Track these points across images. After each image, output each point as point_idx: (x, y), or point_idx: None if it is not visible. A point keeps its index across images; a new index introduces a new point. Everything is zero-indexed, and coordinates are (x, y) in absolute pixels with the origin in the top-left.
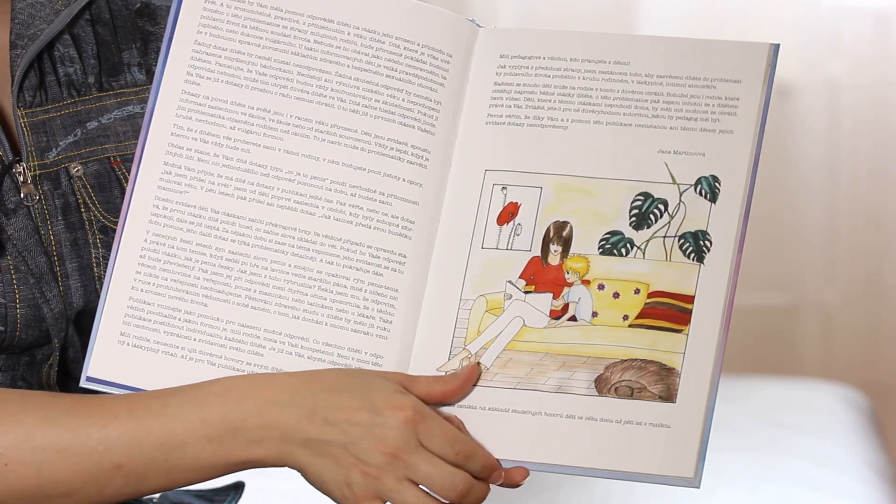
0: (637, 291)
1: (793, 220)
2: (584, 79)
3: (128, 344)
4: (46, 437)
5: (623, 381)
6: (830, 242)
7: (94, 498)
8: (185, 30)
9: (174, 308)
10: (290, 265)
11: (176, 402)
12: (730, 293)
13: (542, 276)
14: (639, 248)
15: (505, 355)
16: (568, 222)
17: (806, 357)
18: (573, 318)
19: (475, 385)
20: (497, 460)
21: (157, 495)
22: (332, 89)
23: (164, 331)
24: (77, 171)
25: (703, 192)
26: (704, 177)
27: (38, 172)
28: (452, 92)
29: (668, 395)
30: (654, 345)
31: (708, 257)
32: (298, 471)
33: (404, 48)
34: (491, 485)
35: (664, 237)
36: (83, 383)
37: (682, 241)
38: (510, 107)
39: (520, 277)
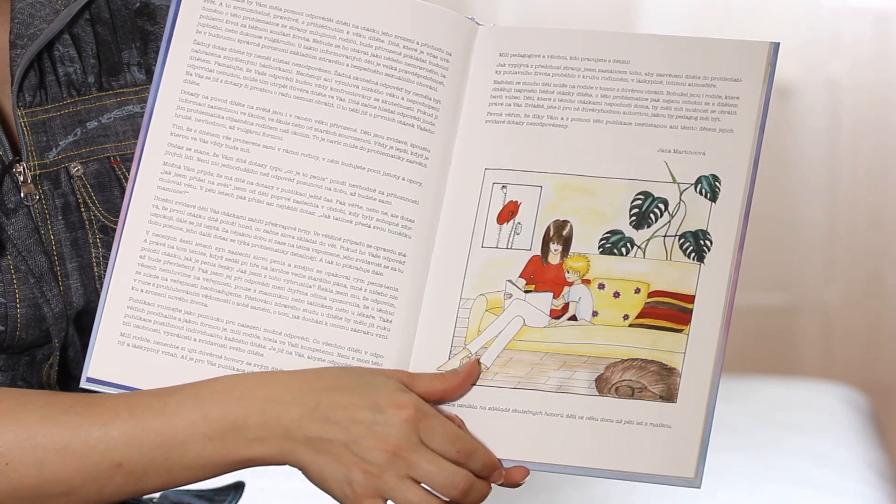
0: (637, 291)
1: (793, 220)
2: (583, 77)
3: (128, 344)
4: (47, 436)
5: (623, 380)
6: (830, 242)
7: (94, 497)
8: (184, 29)
9: (174, 308)
10: (289, 265)
11: (177, 400)
12: (730, 293)
13: (543, 275)
14: (639, 247)
15: (505, 355)
16: (568, 221)
17: (806, 357)
18: (573, 318)
19: (475, 384)
20: (498, 459)
21: (157, 495)
22: (331, 88)
23: (164, 331)
24: (77, 170)
25: (704, 191)
26: (705, 176)
27: (38, 172)
28: (452, 90)
29: (669, 395)
30: (654, 344)
31: (708, 257)
32: (300, 469)
33: (403, 47)
34: (491, 484)
35: (664, 236)
36: (83, 384)
37: (682, 240)
38: (510, 105)
39: (520, 276)
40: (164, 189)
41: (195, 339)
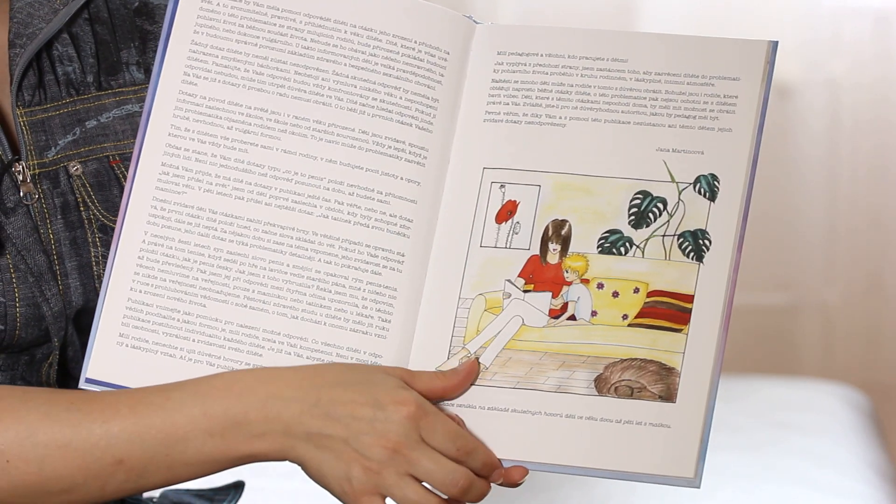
0: (636, 290)
1: (793, 220)
2: (582, 76)
3: (126, 345)
4: (48, 433)
5: (623, 380)
6: (830, 242)
7: (95, 494)
8: (181, 29)
9: (173, 309)
10: (288, 265)
11: (178, 396)
12: (729, 292)
13: (541, 274)
14: (638, 246)
15: (504, 354)
16: (567, 221)
17: (806, 357)
18: (572, 318)
19: (474, 384)
20: (497, 458)
21: (157, 494)
22: (329, 88)
23: (162, 332)
24: (76, 170)
25: (703, 190)
26: (703, 175)
27: (37, 171)
28: (450, 89)
29: (668, 395)
30: (653, 344)
31: (707, 256)
32: (299, 465)
33: (401, 46)
34: (491, 484)
35: (663, 236)
36: (82, 385)
37: (681, 239)
38: (508, 104)
39: (518, 276)
40: (163, 190)
41: (194, 340)
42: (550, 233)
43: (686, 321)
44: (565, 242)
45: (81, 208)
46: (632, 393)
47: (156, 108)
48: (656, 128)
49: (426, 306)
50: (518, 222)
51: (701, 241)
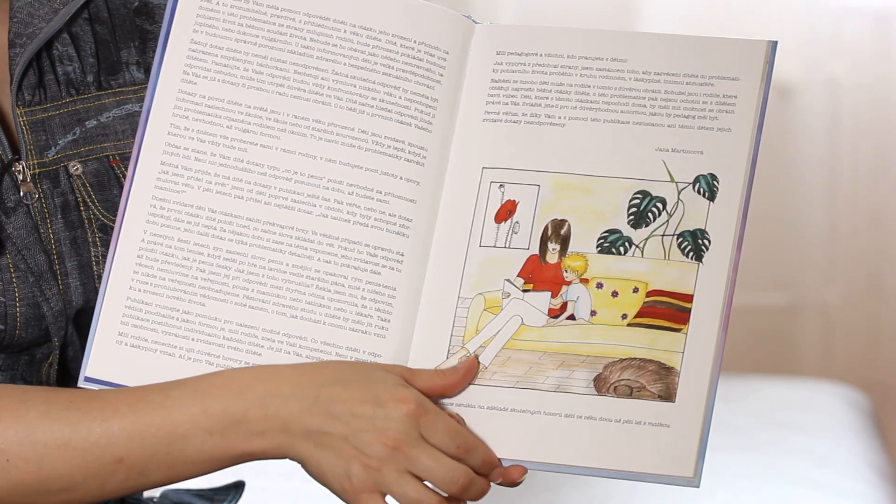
0: (636, 290)
1: (793, 220)
2: (581, 76)
3: (126, 344)
4: (47, 432)
5: (622, 380)
6: (830, 242)
7: (95, 492)
8: (181, 28)
9: (172, 308)
10: (287, 264)
11: (177, 394)
12: (729, 292)
13: (541, 274)
14: (637, 246)
15: (503, 354)
16: (566, 220)
17: (806, 357)
18: (572, 317)
19: (474, 384)
20: (497, 457)
21: (158, 494)
22: (328, 87)
23: (161, 330)
24: (76, 169)
25: (702, 190)
26: (703, 175)
27: (37, 171)
28: (449, 89)
29: (668, 395)
30: (652, 344)
31: (706, 256)
32: (299, 462)
33: (401, 45)
34: (491, 486)
35: (662, 236)
36: (81, 383)
37: (680, 239)
38: (507, 104)
39: (518, 276)
40: (162, 188)
41: (193, 339)
42: (550, 232)
43: (685, 321)
44: (564, 242)
45: (81, 208)
46: (631, 392)
47: (155, 107)
48: (655, 128)
49: (425, 306)
50: (517, 222)
51: (700, 241)
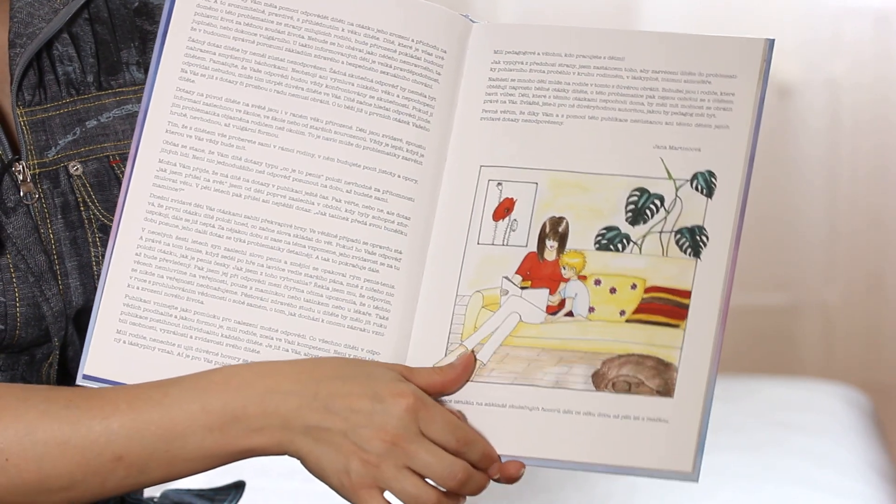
0: (634, 287)
1: (793, 220)
2: (578, 74)
3: (124, 342)
4: (47, 431)
5: (620, 376)
6: (830, 242)
7: (95, 491)
8: (178, 27)
9: (170, 305)
10: (286, 262)
11: (176, 392)
12: (727, 288)
13: (539, 271)
14: (635, 243)
15: (501, 351)
16: (564, 218)
17: (806, 357)
18: (570, 314)
19: (472, 381)
20: (496, 452)
21: (158, 494)
22: (326, 86)
23: (160, 328)
24: (76, 169)
25: (700, 187)
26: (700, 172)
27: (37, 171)
28: (447, 88)
29: (666, 390)
30: (651, 340)
31: (704, 252)
32: (298, 459)
33: (398, 44)
34: (490, 481)
35: (660, 232)
36: (79, 381)
37: (678, 236)
38: (505, 102)
39: (516, 273)
40: (160, 186)
41: (191, 337)
42: (548, 230)
43: (683, 317)
44: (562, 239)
45: (82, 208)
46: (629, 388)
47: (153, 105)
48: (653, 125)
49: (423, 303)
50: (515, 220)
51: (698, 238)
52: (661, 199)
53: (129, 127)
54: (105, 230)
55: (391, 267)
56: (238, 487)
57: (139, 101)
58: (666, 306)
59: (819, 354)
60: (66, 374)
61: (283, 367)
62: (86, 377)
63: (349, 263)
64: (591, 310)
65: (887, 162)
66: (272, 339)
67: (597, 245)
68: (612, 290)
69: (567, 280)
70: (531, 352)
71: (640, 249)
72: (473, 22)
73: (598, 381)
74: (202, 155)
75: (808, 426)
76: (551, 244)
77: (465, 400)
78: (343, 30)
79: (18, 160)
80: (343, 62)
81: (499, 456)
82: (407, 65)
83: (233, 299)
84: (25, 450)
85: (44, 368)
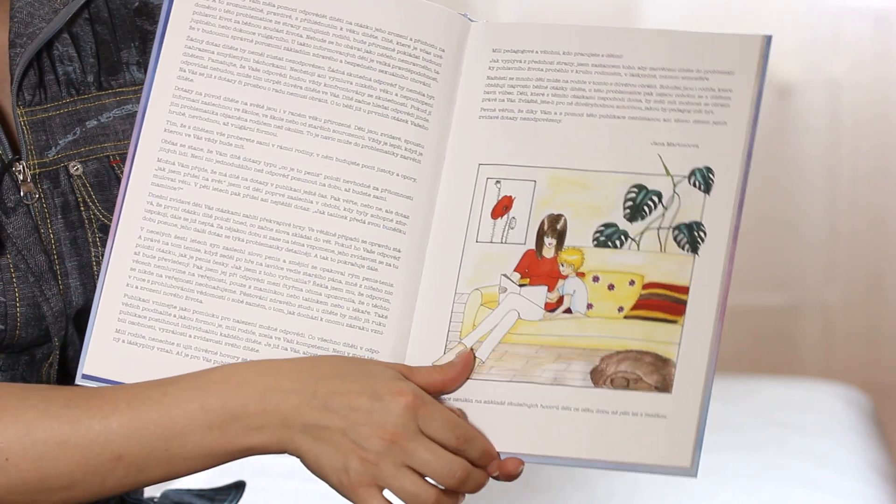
0: (632, 283)
1: (793, 220)
2: (577, 72)
3: (123, 341)
4: (47, 430)
5: (619, 372)
6: (830, 242)
7: (95, 490)
8: (177, 26)
9: (169, 305)
10: (284, 261)
11: (175, 391)
12: (725, 284)
13: (537, 268)
14: (633, 239)
15: (500, 348)
16: (562, 215)
17: (806, 357)
18: (568, 311)
19: (471, 378)
20: (496, 449)
21: (158, 494)
22: (325, 84)
23: (159, 327)
24: (76, 169)
25: (697, 183)
26: (698, 168)
27: (37, 171)
28: (445, 86)
29: (664, 386)
30: (649, 336)
31: (702, 248)
32: (298, 457)
33: (397, 43)
34: (489, 479)
35: (658, 229)
36: (78, 380)
37: (676, 232)
38: (503, 101)
39: (514, 271)
40: (159, 185)
41: (190, 336)
42: (546, 227)
43: (681, 312)
44: (561, 236)
45: (82, 208)
46: (628, 384)
47: (152, 104)
48: (651, 122)
49: (422, 302)
50: (514, 217)
51: (696, 234)
52: (659, 195)
53: (129, 127)
54: (105, 230)
55: (390, 265)
56: (238, 487)
57: (139, 100)
58: (664, 302)
59: (819, 354)
60: (66, 373)
61: (282, 366)
62: (85, 377)
63: (348, 262)
64: (590, 306)
65: (887, 162)
66: (271, 337)
67: (595, 242)
68: (611, 287)
69: (565, 277)
70: (530, 349)
71: (639, 246)
72: (472, 21)
73: (597, 377)
74: (201, 154)
75: (808, 426)
76: (550, 241)
77: (463, 398)
78: (342, 28)
79: (18, 160)
80: (342, 61)
81: (498, 453)
82: (405, 63)
83: (232, 298)
84: (25, 449)
85: (44, 368)
